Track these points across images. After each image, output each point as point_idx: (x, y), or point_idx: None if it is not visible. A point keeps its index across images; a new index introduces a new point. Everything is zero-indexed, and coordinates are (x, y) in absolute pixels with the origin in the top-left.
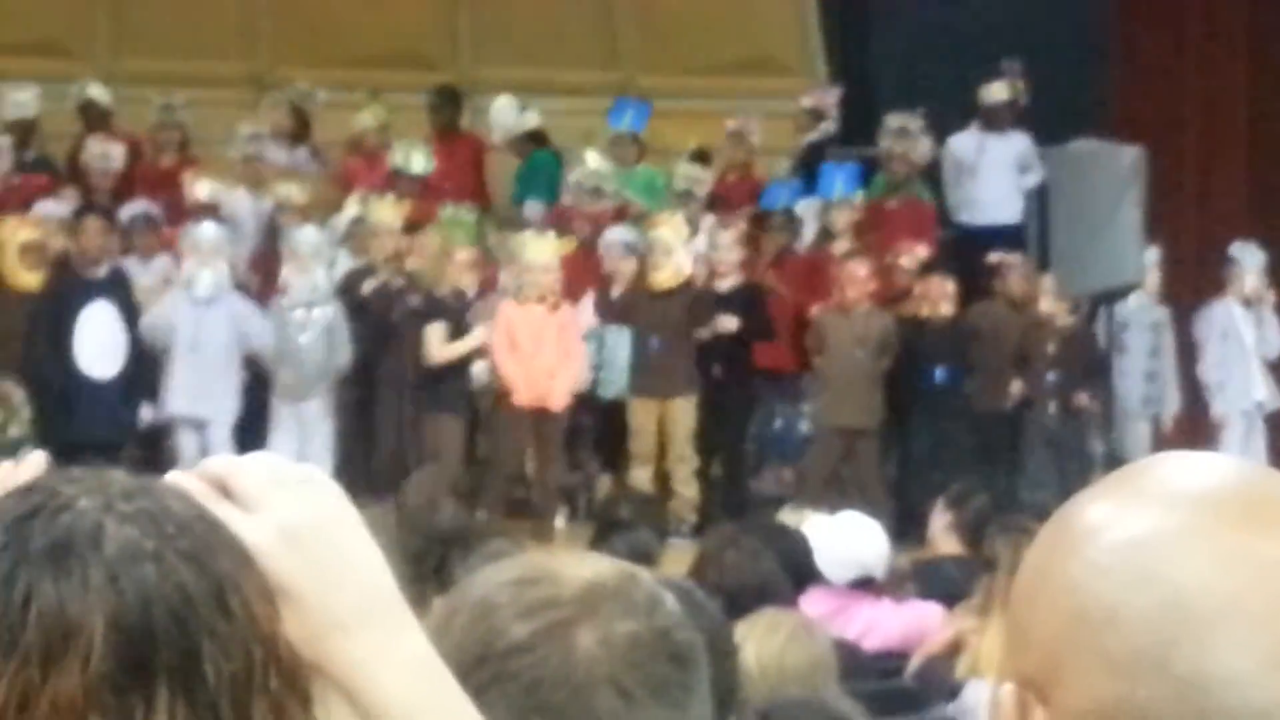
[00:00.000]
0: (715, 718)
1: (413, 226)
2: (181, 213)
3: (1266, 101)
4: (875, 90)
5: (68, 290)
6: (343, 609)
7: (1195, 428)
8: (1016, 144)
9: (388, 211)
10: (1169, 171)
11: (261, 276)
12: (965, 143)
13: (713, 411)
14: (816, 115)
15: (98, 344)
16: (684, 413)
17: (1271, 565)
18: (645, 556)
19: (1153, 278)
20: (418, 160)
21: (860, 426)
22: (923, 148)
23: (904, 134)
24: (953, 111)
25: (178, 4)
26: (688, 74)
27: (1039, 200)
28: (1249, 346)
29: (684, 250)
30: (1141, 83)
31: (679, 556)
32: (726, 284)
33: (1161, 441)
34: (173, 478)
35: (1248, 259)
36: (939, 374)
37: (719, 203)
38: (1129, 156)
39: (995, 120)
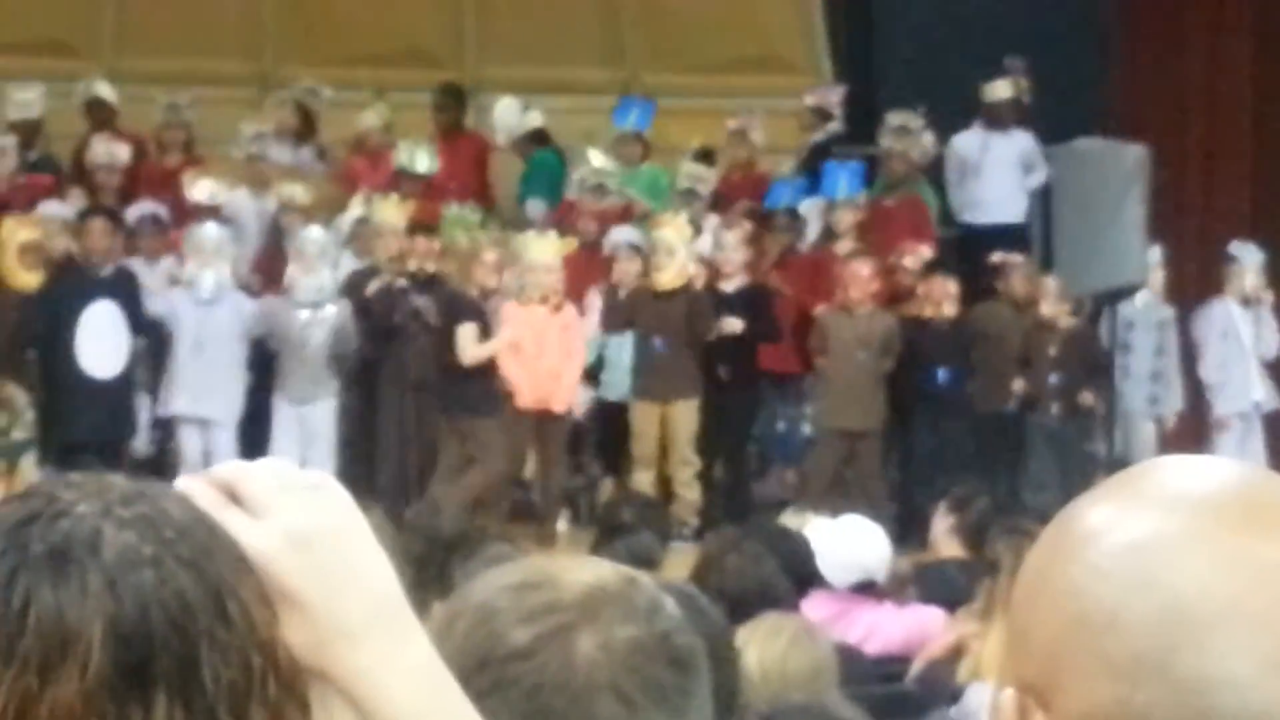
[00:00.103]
0: None
1: (417, 226)
2: (186, 213)
3: (1270, 100)
4: (880, 89)
5: (70, 289)
6: (349, 616)
7: (1196, 428)
8: (1020, 143)
9: (392, 211)
10: (1173, 170)
11: (265, 277)
12: (969, 141)
13: (716, 414)
14: (822, 114)
15: (99, 343)
16: (686, 415)
17: (1272, 568)
18: (647, 560)
19: (1157, 277)
20: (422, 160)
21: (862, 428)
22: (923, 146)
23: (904, 132)
24: (957, 110)
25: (182, 3)
26: (692, 72)
27: (1043, 199)
28: (1247, 346)
29: (687, 251)
30: (1145, 81)
31: (681, 560)
32: (732, 285)
33: (1166, 441)
34: (182, 483)
35: (1246, 257)
36: (941, 375)
37: (723, 202)
38: (1133, 155)
39: (998, 119)
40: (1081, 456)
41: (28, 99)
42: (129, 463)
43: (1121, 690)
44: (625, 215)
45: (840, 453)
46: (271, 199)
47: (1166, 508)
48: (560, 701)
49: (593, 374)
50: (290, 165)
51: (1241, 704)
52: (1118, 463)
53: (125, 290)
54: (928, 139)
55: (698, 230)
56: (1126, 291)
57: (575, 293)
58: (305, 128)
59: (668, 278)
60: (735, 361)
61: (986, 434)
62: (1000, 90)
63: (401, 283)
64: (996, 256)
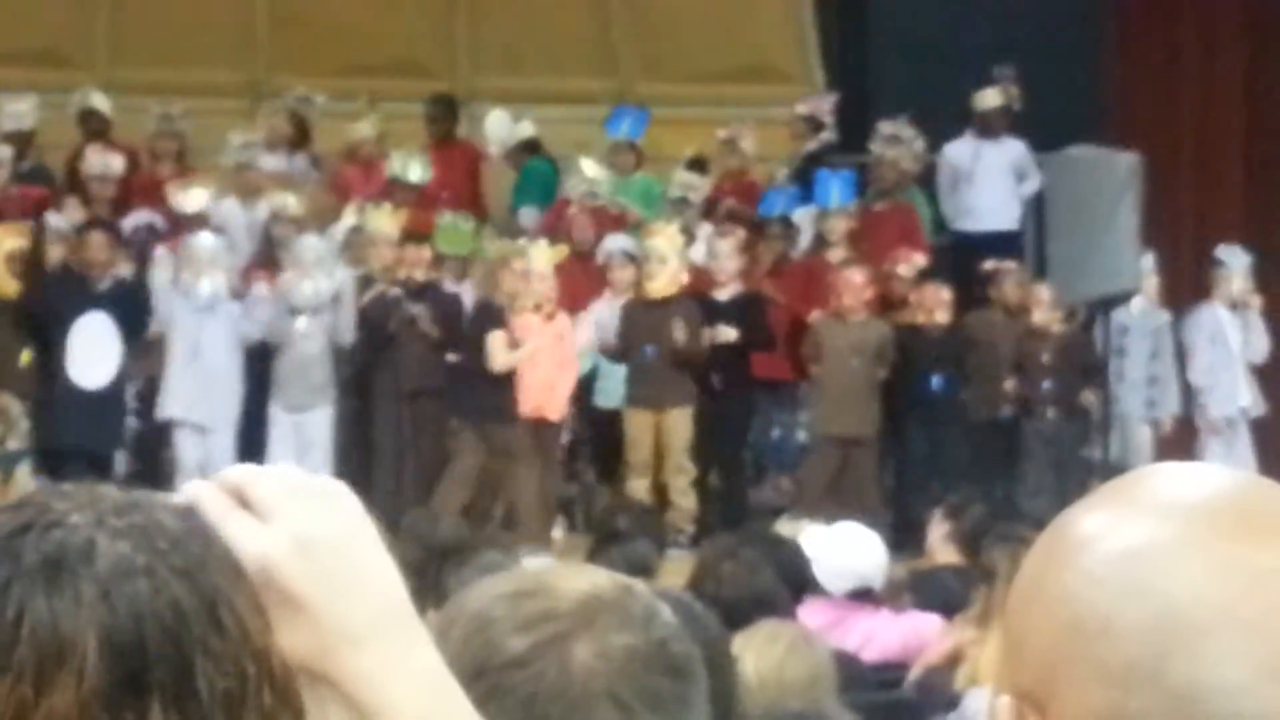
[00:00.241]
0: None
1: (410, 236)
2: (180, 223)
3: (1263, 107)
4: (873, 97)
5: (65, 298)
6: (354, 621)
7: (1188, 433)
8: (1012, 150)
9: (385, 221)
10: (1165, 177)
11: (253, 277)
12: (960, 150)
13: (710, 422)
14: (814, 123)
15: (89, 354)
16: (680, 423)
17: (1265, 575)
18: (643, 568)
19: (1151, 283)
20: (415, 169)
21: (857, 436)
22: (915, 154)
23: (895, 140)
24: (950, 118)
25: (175, 13)
26: (685, 82)
27: (1036, 207)
28: (1235, 351)
29: (679, 259)
30: (1138, 89)
31: (677, 567)
32: (726, 293)
33: (1161, 445)
34: (191, 486)
35: (1233, 262)
36: (935, 382)
37: (716, 211)
38: (1126, 163)
39: (989, 127)
40: (1076, 462)
41: (21, 110)
42: (124, 470)
43: (1115, 697)
44: (619, 224)
45: (835, 460)
46: (261, 208)
47: (1160, 515)
48: (557, 710)
49: (587, 382)
50: (282, 174)
51: (1235, 711)
52: (1113, 467)
53: (124, 301)
54: (919, 147)
55: (691, 238)
56: (1120, 299)
57: (569, 302)
58: (299, 136)
59: (659, 286)
60: (728, 370)
61: (981, 441)
62: (989, 99)
63: (395, 291)
64: (989, 264)
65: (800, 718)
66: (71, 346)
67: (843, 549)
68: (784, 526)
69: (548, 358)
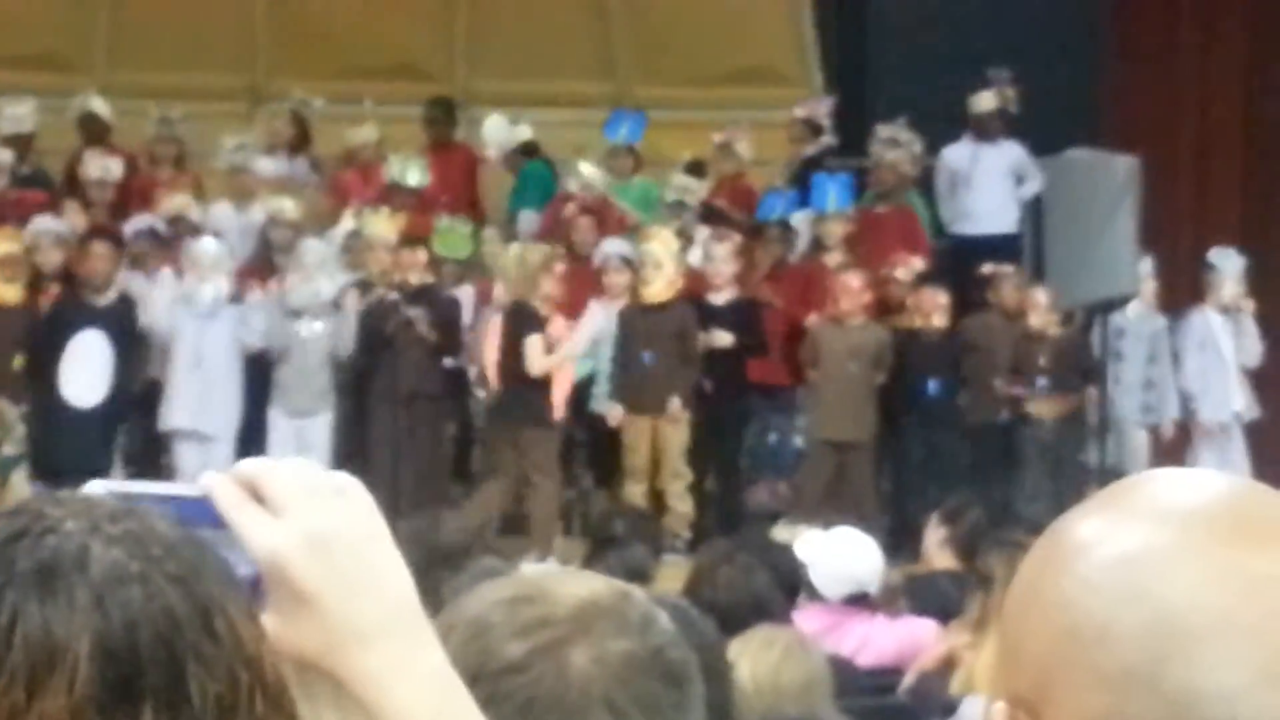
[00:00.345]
0: None
1: (407, 240)
2: (181, 228)
3: (1261, 110)
4: (871, 101)
5: (63, 315)
6: (363, 620)
7: (1182, 438)
8: (1009, 153)
9: (383, 225)
10: (1163, 181)
11: (251, 284)
12: (958, 154)
13: (705, 426)
14: (812, 126)
15: (82, 372)
16: (677, 428)
17: (1262, 581)
18: (639, 573)
19: (1149, 287)
20: (413, 173)
21: (854, 440)
22: (913, 157)
23: (893, 143)
24: (948, 122)
25: (174, 17)
26: (683, 85)
27: (1034, 210)
28: (1227, 356)
29: (675, 263)
30: (1136, 92)
31: (674, 572)
32: (722, 297)
33: (1158, 450)
34: (207, 479)
35: (1226, 265)
36: (932, 386)
37: (719, 215)
38: (1123, 166)
39: (985, 130)
40: (1074, 466)
41: (20, 113)
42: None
43: (1112, 703)
44: (620, 227)
45: (832, 465)
46: (255, 211)
47: (1157, 520)
48: (554, 716)
49: (584, 387)
50: (278, 178)
51: (1232, 716)
52: (1110, 472)
53: (119, 319)
54: (917, 150)
55: (688, 242)
56: (1118, 302)
57: (568, 306)
58: (300, 139)
59: (654, 290)
60: (723, 374)
61: (978, 445)
62: (985, 102)
63: (393, 295)
64: (987, 268)
65: None
66: (65, 365)
67: (839, 554)
68: (780, 531)
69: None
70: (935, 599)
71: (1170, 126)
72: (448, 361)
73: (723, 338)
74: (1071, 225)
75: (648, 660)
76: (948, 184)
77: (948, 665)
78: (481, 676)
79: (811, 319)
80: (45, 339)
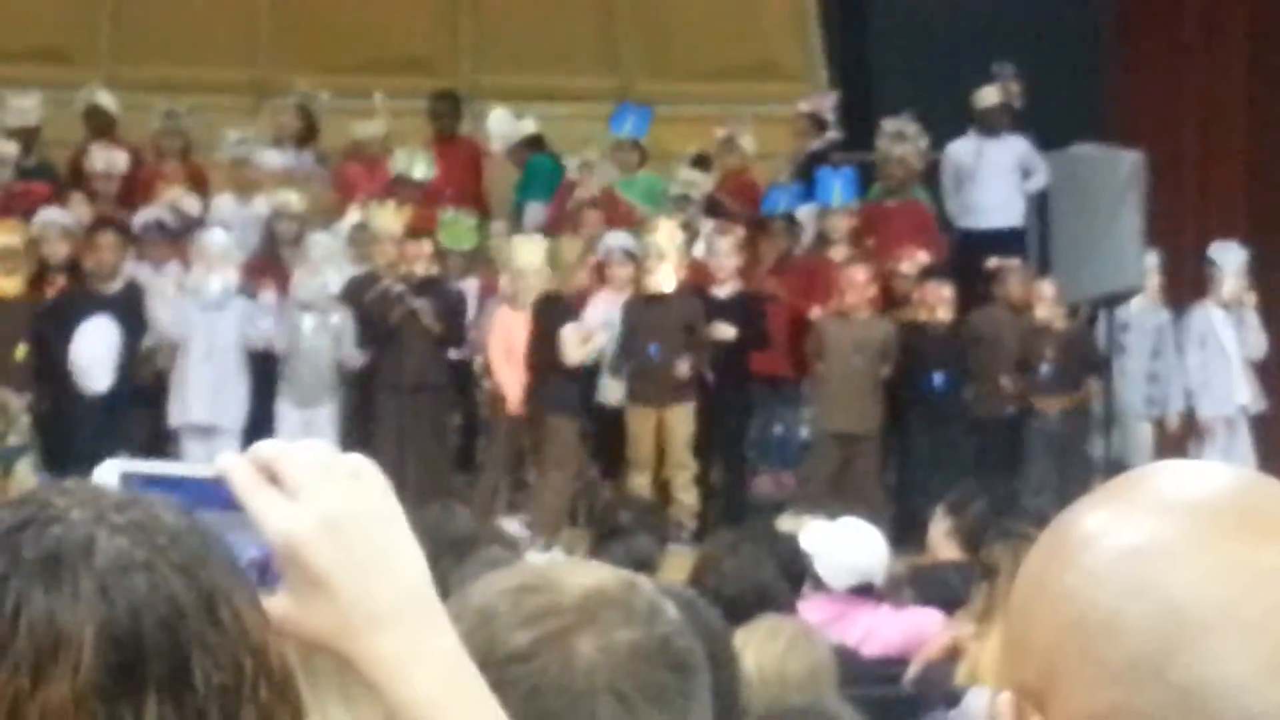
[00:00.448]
0: None
1: (414, 232)
2: (190, 220)
3: (1266, 104)
4: (876, 95)
5: (71, 302)
6: (377, 603)
7: (1186, 431)
8: (1015, 147)
9: (389, 218)
10: (1168, 175)
11: (259, 283)
12: (963, 148)
13: (709, 418)
14: (816, 121)
15: (93, 357)
16: (682, 419)
17: (1267, 574)
18: (645, 563)
19: (1153, 281)
20: (420, 166)
21: (859, 432)
22: (919, 151)
23: (900, 138)
24: (954, 116)
25: (179, 10)
26: (688, 79)
27: (1039, 205)
28: (1229, 350)
29: (678, 256)
30: (1141, 87)
31: (678, 562)
32: (724, 291)
33: (1162, 443)
34: (223, 459)
35: (1227, 259)
36: (937, 379)
37: (718, 208)
38: (1128, 161)
39: (990, 124)
40: (1079, 459)
41: (26, 106)
42: None
43: (1118, 695)
44: (628, 219)
45: (837, 456)
46: (259, 204)
47: (1163, 513)
48: (560, 704)
49: (590, 379)
50: (283, 171)
51: (1239, 708)
52: (1115, 465)
53: (127, 306)
54: (923, 144)
55: (693, 236)
56: (1123, 296)
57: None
58: (308, 132)
59: (658, 282)
60: (725, 366)
61: (983, 437)
62: (989, 97)
63: (398, 287)
64: (993, 261)
65: (801, 713)
66: (75, 351)
67: (844, 544)
68: (786, 522)
69: None
70: (940, 590)
71: (1175, 120)
72: (452, 353)
73: (725, 331)
74: (1077, 219)
75: (654, 649)
76: (953, 179)
77: (952, 656)
78: (487, 665)
79: (816, 312)
80: (52, 327)
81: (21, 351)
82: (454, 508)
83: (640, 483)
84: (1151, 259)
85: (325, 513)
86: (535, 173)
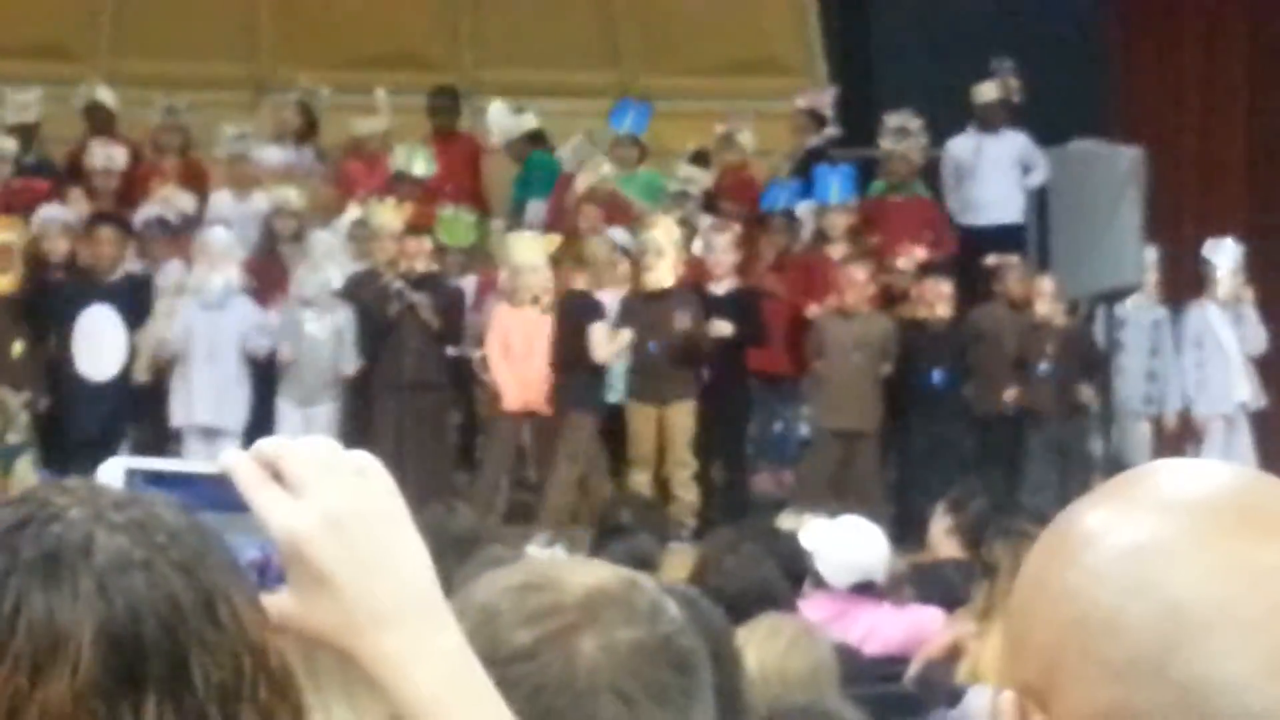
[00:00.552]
0: None
1: (414, 229)
2: (191, 217)
3: (1266, 100)
4: (876, 91)
5: (69, 292)
6: (380, 600)
7: (1186, 428)
8: (1014, 143)
9: (389, 215)
10: (1168, 171)
11: (261, 281)
12: (962, 145)
13: (708, 416)
14: (815, 117)
15: (95, 346)
16: (682, 417)
17: (1267, 573)
18: (645, 561)
19: (1151, 278)
20: (419, 163)
21: (859, 430)
22: (921, 146)
23: (903, 133)
24: (954, 112)
25: (178, 6)
26: (688, 75)
27: (1039, 201)
28: (1228, 347)
29: (676, 252)
30: (1140, 83)
31: (679, 560)
32: (722, 287)
33: (1162, 441)
34: (227, 456)
35: (1221, 257)
36: (937, 376)
37: (716, 205)
38: (1128, 157)
39: (988, 120)
40: (1079, 456)
41: (25, 102)
42: None
43: (1119, 693)
44: (627, 216)
45: (837, 454)
46: (257, 200)
47: (1163, 512)
48: (562, 703)
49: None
50: (282, 167)
51: (1240, 706)
52: (1115, 463)
53: (128, 294)
54: (924, 140)
55: (692, 232)
56: (1123, 293)
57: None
58: (307, 128)
59: (656, 279)
60: (722, 363)
61: (983, 436)
62: (987, 92)
63: (397, 283)
64: (991, 258)
65: (803, 712)
66: (78, 340)
67: (845, 542)
68: (785, 520)
69: (541, 351)
70: (940, 587)
71: (1175, 117)
72: (451, 350)
73: (722, 327)
74: (1076, 216)
75: (656, 648)
76: (953, 175)
77: (953, 654)
78: (490, 664)
79: (815, 310)
80: (49, 317)
81: (18, 348)
82: (456, 506)
83: (641, 480)
84: (1150, 255)
85: (329, 510)
86: (536, 169)
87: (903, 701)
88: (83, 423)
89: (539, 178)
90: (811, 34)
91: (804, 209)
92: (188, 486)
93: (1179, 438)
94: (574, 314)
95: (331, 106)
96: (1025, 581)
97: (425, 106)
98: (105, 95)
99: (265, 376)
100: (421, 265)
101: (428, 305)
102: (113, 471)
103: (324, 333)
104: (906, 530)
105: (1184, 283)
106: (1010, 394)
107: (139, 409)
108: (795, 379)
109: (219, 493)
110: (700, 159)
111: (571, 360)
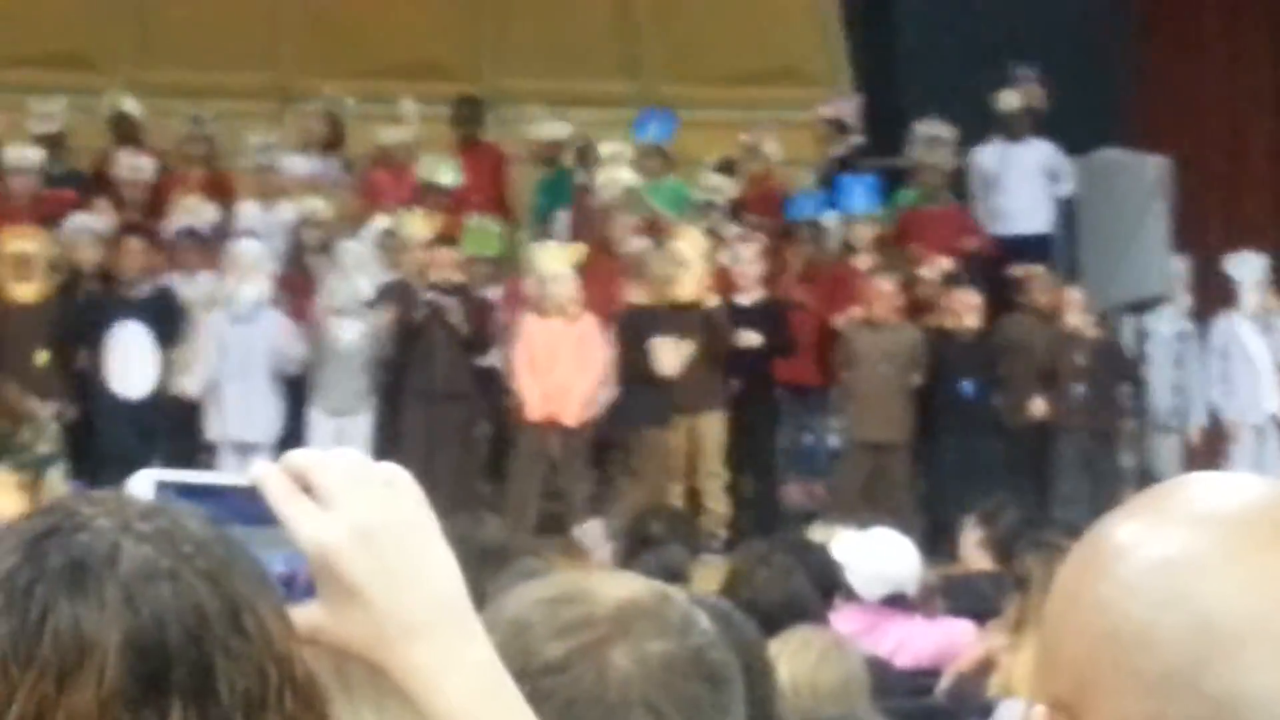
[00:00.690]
0: None
1: (441, 240)
2: (223, 228)
3: None
4: (901, 99)
5: (99, 306)
6: (410, 613)
7: (1215, 440)
8: (1040, 152)
9: (418, 225)
10: (1194, 180)
11: (289, 292)
12: (989, 155)
13: (737, 427)
14: (839, 126)
15: (128, 363)
16: (712, 427)
17: None
18: (676, 574)
19: (1180, 289)
20: (446, 173)
21: (890, 441)
22: (952, 155)
23: (936, 142)
24: (977, 120)
25: (202, 15)
26: (711, 84)
27: (1066, 211)
28: (1257, 359)
29: (702, 263)
30: (1166, 91)
31: (710, 572)
32: (749, 298)
33: (1192, 454)
34: (257, 468)
35: (1244, 273)
36: (966, 387)
37: (742, 215)
38: (1154, 167)
39: (1013, 129)
40: (1109, 468)
41: (50, 111)
42: None
43: (1152, 706)
44: (652, 229)
45: (868, 465)
46: (284, 211)
47: (1196, 525)
48: (594, 716)
49: None
50: (308, 178)
51: (1274, 719)
52: (1146, 476)
53: (158, 310)
54: (953, 149)
55: (718, 242)
56: (1151, 303)
57: (602, 302)
58: (334, 138)
59: (681, 290)
60: (750, 374)
61: (1013, 447)
62: (1010, 100)
63: (426, 293)
64: (1018, 269)
65: None
66: (110, 357)
67: (876, 555)
68: (816, 532)
69: (567, 361)
70: (971, 600)
71: (1201, 125)
72: (481, 361)
73: (750, 338)
74: (1103, 226)
75: (688, 662)
76: (980, 185)
77: (985, 667)
78: (521, 676)
79: (843, 320)
80: (79, 332)
81: (43, 358)
82: (483, 516)
83: (672, 491)
84: (1179, 265)
85: (358, 522)
86: (561, 179)
87: (934, 715)
88: (115, 439)
89: (563, 188)
90: (835, 42)
91: (830, 219)
92: (217, 499)
93: (1209, 450)
94: (633, 329)
95: (356, 116)
96: (1057, 594)
97: (448, 116)
98: (130, 105)
99: (296, 388)
100: (450, 275)
101: (458, 309)
102: (143, 484)
103: (355, 342)
104: (937, 542)
105: (1210, 294)
106: (1038, 406)
107: (172, 425)
108: (823, 390)
109: (248, 506)
110: (725, 168)
111: (635, 375)
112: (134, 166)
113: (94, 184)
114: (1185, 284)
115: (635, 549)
